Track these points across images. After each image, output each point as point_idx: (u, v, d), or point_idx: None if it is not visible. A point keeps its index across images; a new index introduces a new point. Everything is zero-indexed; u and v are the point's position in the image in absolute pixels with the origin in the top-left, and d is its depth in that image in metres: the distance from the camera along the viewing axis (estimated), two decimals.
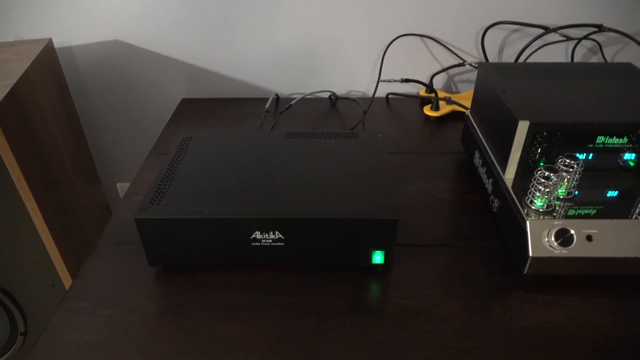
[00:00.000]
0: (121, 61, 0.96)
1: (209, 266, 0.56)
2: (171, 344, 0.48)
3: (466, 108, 0.85)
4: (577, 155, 0.56)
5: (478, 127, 0.70)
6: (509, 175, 0.59)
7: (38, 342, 0.48)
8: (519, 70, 0.68)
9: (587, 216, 0.52)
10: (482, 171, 0.66)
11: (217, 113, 0.93)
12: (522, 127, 0.55)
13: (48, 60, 0.87)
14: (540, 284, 0.54)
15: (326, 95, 0.96)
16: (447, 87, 0.98)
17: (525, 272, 0.52)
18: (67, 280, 0.85)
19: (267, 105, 0.88)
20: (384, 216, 0.50)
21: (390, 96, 0.96)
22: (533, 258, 0.51)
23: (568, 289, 0.53)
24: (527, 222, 0.52)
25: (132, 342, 0.48)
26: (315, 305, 0.52)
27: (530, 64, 0.71)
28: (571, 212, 0.53)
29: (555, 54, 0.91)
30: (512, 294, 0.53)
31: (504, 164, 0.59)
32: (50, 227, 0.81)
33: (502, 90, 0.62)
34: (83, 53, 0.95)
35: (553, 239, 0.50)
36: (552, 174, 0.51)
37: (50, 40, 0.89)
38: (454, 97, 0.89)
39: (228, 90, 0.99)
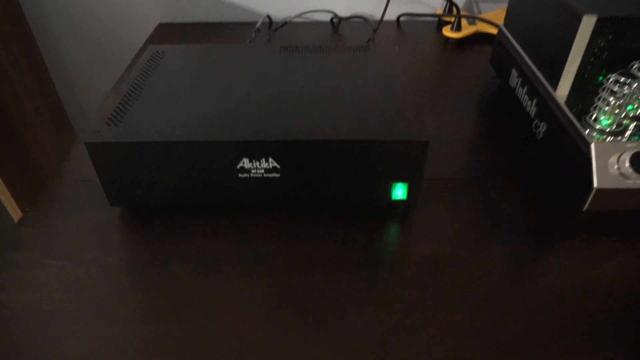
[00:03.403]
0: None
1: (187, 208, 0.45)
2: (138, 305, 0.37)
3: (496, 25, 0.71)
4: None
5: (517, 40, 0.57)
6: (562, 91, 0.47)
7: None
8: None
9: None
10: (521, 92, 0.54)
11: (198, 39, 0.79)
12: (587, 24, 0.42)
13: None
14: (602, 224, 0.43)
15: (327, 17, 0.82)
16: (468, 7, 0.84)
17: (585, 209, 0.42)
18: None
19: (257, 25, 0.74)
20: (411, 137, 0.39)
21: (402, 18, 0.82)
22: (598, 190, 0.40)
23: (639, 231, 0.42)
24: (592, 145, 0.40)
25: (87, 302, 0.38)
26: (320, 257, 0.41)
27: None
28: None
29: None
30: (566, 238, 0.43)
31: (555, 78, 0.47)
32: (8, 181, 0.69)
33: None
34: None
35: (627, 164, 0.39)
36: (629, 80, 0.39)
37: None
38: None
39: (212, 12, 0.84)
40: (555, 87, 0.47)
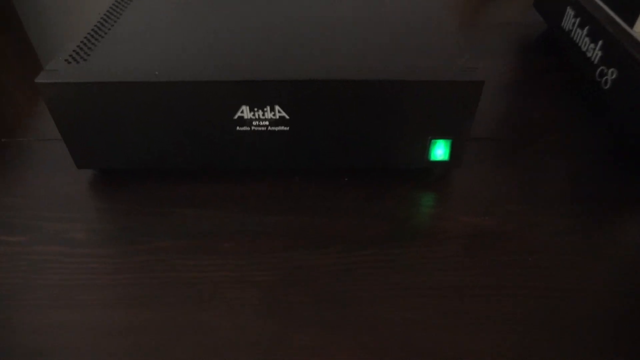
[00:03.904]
0: None
1: (172, 170, 0.37)
2: (112, 291, 0.29)
3: None
4: None
5: None
6: None
7: None
8: None
9: None
10: (580, 35, 0.45)
11: None
12: None
13: None
14: None
15: None
16: None
17: None
18: None
19: None
20: (461, 77, 0.30)
21: None
22: None
23: None
24: None
25: (50, 286, 0.30)
26: (337, 230, 0.33)
27: None
28: None
29: None
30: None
31: (631, 12, 0.38)
32: None
33: None
34: None
35: None
36: None
37: None
38: None
39: None
40: (631, 23, 0.38)
